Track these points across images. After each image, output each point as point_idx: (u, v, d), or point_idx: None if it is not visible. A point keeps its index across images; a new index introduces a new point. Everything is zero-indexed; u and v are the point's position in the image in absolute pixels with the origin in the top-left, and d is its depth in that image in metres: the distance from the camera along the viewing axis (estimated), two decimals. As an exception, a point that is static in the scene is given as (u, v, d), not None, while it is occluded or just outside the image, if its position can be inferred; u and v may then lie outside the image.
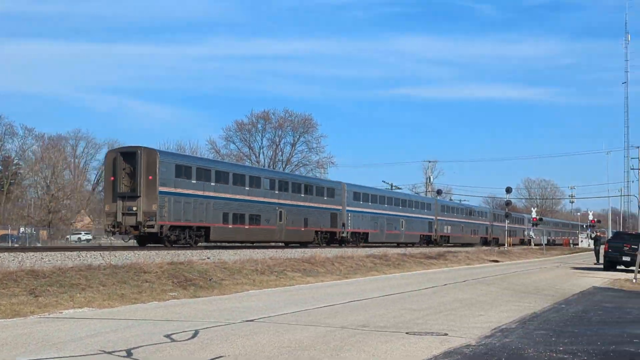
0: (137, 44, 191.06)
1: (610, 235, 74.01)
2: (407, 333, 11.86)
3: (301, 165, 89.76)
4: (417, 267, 33.55)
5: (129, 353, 9.50)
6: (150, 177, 35.78)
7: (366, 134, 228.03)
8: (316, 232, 50.72)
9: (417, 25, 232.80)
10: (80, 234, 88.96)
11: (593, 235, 64.19)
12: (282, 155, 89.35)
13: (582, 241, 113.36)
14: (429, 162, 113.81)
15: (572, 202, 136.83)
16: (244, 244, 43.65)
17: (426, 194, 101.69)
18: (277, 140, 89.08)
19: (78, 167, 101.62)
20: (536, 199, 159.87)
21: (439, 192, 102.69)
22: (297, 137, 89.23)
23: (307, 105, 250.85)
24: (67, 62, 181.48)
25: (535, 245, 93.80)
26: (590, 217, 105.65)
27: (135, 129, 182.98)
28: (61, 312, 13.56)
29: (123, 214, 35.94)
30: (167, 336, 10.88)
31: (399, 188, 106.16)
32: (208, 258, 26.08)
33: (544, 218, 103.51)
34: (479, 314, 15.23)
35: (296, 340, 10.74)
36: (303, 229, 48.69)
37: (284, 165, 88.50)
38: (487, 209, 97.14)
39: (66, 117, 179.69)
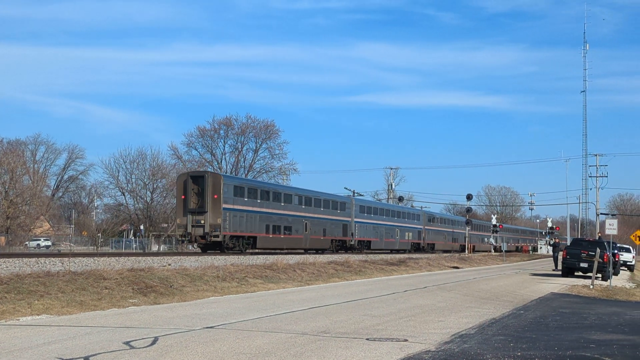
0: (98, 48, 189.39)
1: (568, 242, 75.09)
2: (367, 339, 11.91)
3: (263, 171, 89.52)
4: (379, 274, 33.66)
5: (87, 360, 9.40)
6: (215, 196, 42.73)
7: (328, 140, 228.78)
8: (331, 240, 57.88)
9: (379, 33, 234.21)
10: (40, 240, 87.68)
11: (552, 242, 65.07)
12: (244, 161, 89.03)
13: (541, 247, 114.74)
14: (391, 168, 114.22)
15: (532, 209, 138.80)
16: (275, 250, 50.09)
17: (388, 201, 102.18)
18: (240, 147, 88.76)
19: (37, 173, 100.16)
20: (496, 206, 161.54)
21: (400, 199, 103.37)
22: (260, 143, 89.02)
23: (270, 112, 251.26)
24: (26, 66, 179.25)
25: (495, 252, 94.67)
26: (549, 224, 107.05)
27: (96, 134, 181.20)
28: (18, 320, 13.37)
29: (192, 226, 42.76)
30: (126, 343, 10.79)
31: (361, 195, 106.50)
32: (169, 264, 25.91)
33: (504, 225, 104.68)
34: (439, 320, 15.35)
35: (257, 347, 10.72)
36: (322, 238, 56.13)
37: (246, 172, 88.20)
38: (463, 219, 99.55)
39: (25, 122, 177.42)
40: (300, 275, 27.78)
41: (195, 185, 43.52)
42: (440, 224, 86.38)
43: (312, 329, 12.99)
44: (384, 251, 65.08)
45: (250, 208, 46.11)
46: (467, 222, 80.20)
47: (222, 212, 42.79)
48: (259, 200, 47.34)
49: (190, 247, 49.10)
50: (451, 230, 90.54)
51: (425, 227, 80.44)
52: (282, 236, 49.89)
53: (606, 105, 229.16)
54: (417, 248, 76.13)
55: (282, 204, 50.42)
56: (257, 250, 47.60)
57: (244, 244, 45.29)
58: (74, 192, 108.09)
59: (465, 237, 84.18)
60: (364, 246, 63.03)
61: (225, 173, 71.74)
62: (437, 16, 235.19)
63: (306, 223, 53.20)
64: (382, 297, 20.71)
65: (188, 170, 68.07)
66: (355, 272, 32.29)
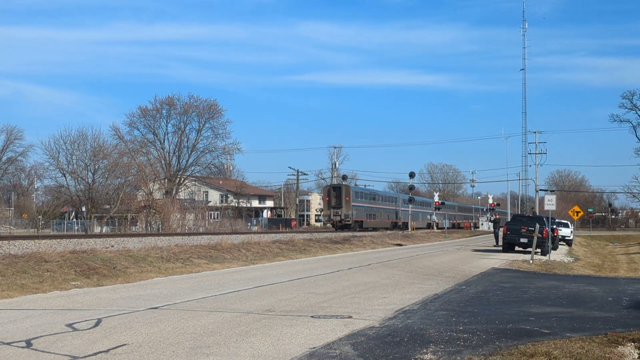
0: (36, 27, 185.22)
1: (509, 218, 76.44)
2: (312, 317, 11.99)
3: (207, 151, 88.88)
4: (323, 252, 33.84)
5: (28, 343, 9.28)
6: (347, 198, 73.30)
7: (272, 119, 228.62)
8: (390, 222, 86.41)
9: (322, 11, 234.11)
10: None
11: (492, 219, 66.22)
12: (187, 141, 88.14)
13: (482, 224, 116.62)
14: (335, 147, 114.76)
15: (473, 187, 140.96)
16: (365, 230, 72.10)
17: (332, 180, 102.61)
18: (182, 127, 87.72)
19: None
20: (438, 183, 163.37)
21: (344, 177, 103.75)
22: (203, 123, 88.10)
23: (212, 91, 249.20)
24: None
25: (437, 228, 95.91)
26: (490, 201, 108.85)
27: (34, 115, 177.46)
28: (-44, 304, 13.09)
29: (334, 215, 73.30)
30: (69, 325, 10.67)
31: (305, 174, 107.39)
32: (112, 246, 25.62)
33: (446, 202, 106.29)
34: (383, 296, 15.52)
35: (201, 327, 10.71)
36: (387, 220, 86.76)
37: (189, 152, 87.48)
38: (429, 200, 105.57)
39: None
40: (245, 254, 27.76)
41: (334, 191, 74.13)
42: (413, 205, 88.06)
43: (257, 307, 13.02)
44: (369, 229, 74.56)
45: (361, 204, 76.97)
46: (410, 200, 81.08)
47: (351, 207, 73.23)
48: (364, 200, 78.86)
49: (329, 225, 76.67)
50: (418, 210, 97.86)
51: (401, 209, 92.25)
52: (372, 220, 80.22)
53: (545, 83, 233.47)
54: (394, 226, 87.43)
55: (372, 201, 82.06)
56: (364, 229, 73.09)
57: (357, 225, 73.29)
58: (13, 174, 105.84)
59: (429, 216, 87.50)
60: (405, 226, 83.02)
61: (353, 185, 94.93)
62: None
63: (381, 211, 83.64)
64: (327, 275, 20.84)
65: (327, 182, 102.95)
66: (300, 251, 32.39)
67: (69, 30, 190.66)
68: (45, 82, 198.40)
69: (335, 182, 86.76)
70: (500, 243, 43.65)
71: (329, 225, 76.74)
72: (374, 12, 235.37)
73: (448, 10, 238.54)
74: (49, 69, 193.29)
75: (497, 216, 63.78)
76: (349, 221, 71.88)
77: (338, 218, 72.16)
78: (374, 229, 72.51)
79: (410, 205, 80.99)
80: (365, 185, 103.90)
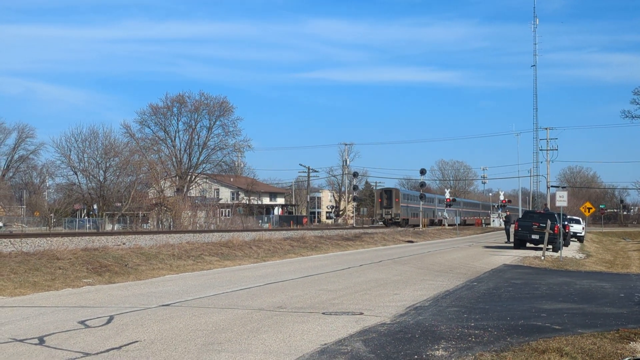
0: (47, 26, 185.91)
1: (520, 214, 76.26)
2: (323, 313, 12.01)
3: (218, 149, 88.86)
4: (334, 249, 33.85)
5: (41, 340, 9.33)
6: (397, 200, 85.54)
7: (282, 117, 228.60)
8: (429, 219, 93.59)
9: (332, 9, 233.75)
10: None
11: (504, 215, 66.04)
12: (198, 139, 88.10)
13: (493, 221, 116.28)
14: (345, 144, 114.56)
15: (484, 183, 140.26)
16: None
17: (343, 177, 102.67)
18: (193, 124, 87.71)
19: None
20: (449, 180, 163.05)
21: (355, 174, 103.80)
22: (213, 120, 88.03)
23: (223, 89, 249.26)
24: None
25: (448, 225, 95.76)
26: (502, 197, 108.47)
27: (46, 113, 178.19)
28: (-30, 302, 13.17)
29: (385, 214, 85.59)
30: (81, 322, 10.72)
31: (316, 171, 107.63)
32: (124, 244, 25.72)
33: (457, 198, 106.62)
34: (394, 293, 15.52)
35: (213, 323, 10.74)
36: (429, 218, 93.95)
37: (200, 149, 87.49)
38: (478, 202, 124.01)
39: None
40: (256, 252, 27.81)
41: (385, 194, 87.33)
42: (451, 205, 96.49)
43: (268, 304, 13.05)
44: (416, 225, 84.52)
45: (406, 205, 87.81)
46: (421, 197, 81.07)
47: (400, 207, 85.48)
48: (409, 201, 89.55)
49: (380, 223, 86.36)
50: (455, 209, 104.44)
51: (437, 207, 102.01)
52: (416, 218, 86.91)
53: (556, 79, 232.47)
54: (432, 223, 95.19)
55: (414, 201, 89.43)
56: (409, 225, 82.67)
57: (404, 222, 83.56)
58: (25, 172, 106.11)
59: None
60: (439, 222, 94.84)
61: (401, 188, 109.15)
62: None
63: (423, 210, 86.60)
64: (338, 272, 20.85)
65: (379, 186, 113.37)
66: (311, 248, 32.42)
67: (80, 29, 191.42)
68: (57, 80, 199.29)
69: (386, 187, 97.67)
70: (512, 239, 43.53)
71: (380, 222, 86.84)
72: (383, 9, 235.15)
73: (458, 6, 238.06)
74: (60, 67, 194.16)
75: (509, 213, 63.58)
76: (398, 219, 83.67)
77: (389, 216, 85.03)
78: (416, 225, 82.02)
79: (421, 202, 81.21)
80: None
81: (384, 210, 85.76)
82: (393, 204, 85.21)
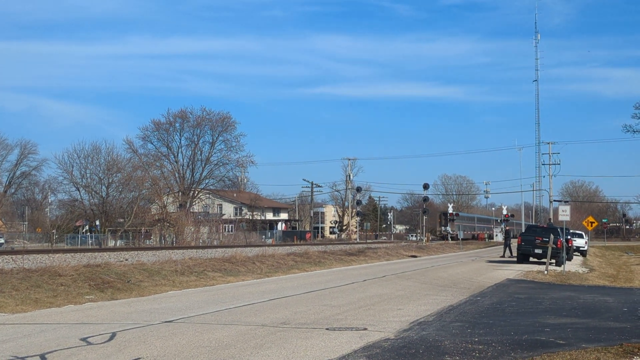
0: (50, 41, 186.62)
1: (523, 229, 76.14)
2: (327, 329, 11.96)
3: (220, 164, 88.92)
4: (338, 264, 33.78)
5: (42, 358, 9.29)
6: (454, 220, 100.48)
7: (285, 132, 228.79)
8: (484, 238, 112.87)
9: (336, 24, 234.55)
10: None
11: (504, 230, 65.81)
12: (201, 154, 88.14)
13: (497, 235, 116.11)
14: (349, 159, 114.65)
15: (487, 197, 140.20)
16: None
17: (346, 192, 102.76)
18: (196, 140, 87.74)
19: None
20: (452, 194, 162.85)
21: (358, 189, 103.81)
22: (216, 136, 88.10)
23: (226, 104, 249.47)
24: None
25: (452, 239, 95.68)
26: (504, 212, 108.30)
27: (49, 129, 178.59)
28: (-28, 319, 13.13)
29: (443, 231, 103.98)
30: (83, 339, 10.68)
31: (319, 186, 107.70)
32: (126, 260, 25.68)
33: (460, 213, 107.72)
34: (398, 308, 15.47)
35: (216, 340, 10.70)
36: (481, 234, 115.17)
37: (203, 165, 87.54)
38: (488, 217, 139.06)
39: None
40: (259, 267, 27.76)
41: (444, 215, 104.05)
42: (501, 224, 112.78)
43: (272, 320, 13.00)
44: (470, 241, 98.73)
45: (459, 224, 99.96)
46: (424, 211, 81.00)
47: (455, 225, 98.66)
48: (465, 221, 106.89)
49: (432, 237, 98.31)
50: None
51: (493, 226, 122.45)
52: (466, 233, 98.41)
53: (558, 94, 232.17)
54: (490, 237, 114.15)
55: (472, 222, 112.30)
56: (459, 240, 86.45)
57: (458, 237, 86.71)
58: (27, 188, 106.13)
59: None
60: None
61: (461, 212, 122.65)
62: (392, 8, 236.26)
63: (479, 229, 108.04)
64: (342, 287, 20.79)
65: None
66: (315, 263, 32.36)
67: (84, 45, 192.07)
68: (60, 96, 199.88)
69: (443, 210, 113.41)
70: (508, 254, 43.51)
71: (440, 239, 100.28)
72: (387, 25, 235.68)
73: (461, 22, 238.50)
74: (63, 83, 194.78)
75: (508, 228, 63.37)
76: (455, 234, 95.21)
77: (447, 233, 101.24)
78: (465, 239, 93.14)
79: (425, 217, 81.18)
80: (379, 198, 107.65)
81: (442, 228, 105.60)
82: (448, 223, 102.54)
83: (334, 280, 23.81)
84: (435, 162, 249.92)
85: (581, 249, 55.03)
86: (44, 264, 22.58)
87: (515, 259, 39.75)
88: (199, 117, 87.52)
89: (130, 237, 70.56)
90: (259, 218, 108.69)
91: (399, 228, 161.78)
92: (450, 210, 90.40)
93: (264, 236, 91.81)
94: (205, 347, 10.10)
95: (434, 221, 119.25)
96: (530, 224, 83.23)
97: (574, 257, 47.78)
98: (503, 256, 45.84)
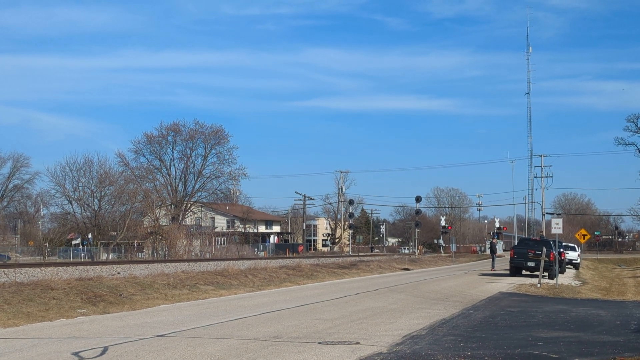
0: (43, 55, 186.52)
1: (516, 241, 76.54)
2: (319, 343, 11.94)
3: (213, 177, 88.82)
4: (330, 277, 33.73)
5: (35, 373, 9.25)
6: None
7: (278, 145, 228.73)
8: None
9: (328, 38, 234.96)
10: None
11: (489, 243, 66.18)
12: (193, 167, 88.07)
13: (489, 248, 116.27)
14: (341, 172, 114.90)
15: (480, 210, 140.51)
16: None
17: (338, 204, 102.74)
18: (188, 153, 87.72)
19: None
20: (445, 207, 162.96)
21: (350, 202, 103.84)
22: (209, 149, 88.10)
23: (219, 117, 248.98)
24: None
25: (444, 253, 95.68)
26: (497, 225, 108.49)
27: (41, 143, 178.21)
28: (-37, 333, 13.06)
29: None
30: (75, 354, 10.64)
31: (312, 199, 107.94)
32: (118, 273, 25.61)
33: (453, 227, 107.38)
34: (390, 321, 15.45)
35: (208, 354, 10.67)
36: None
37: (195, 178, 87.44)
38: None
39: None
40: (252, 280, 27.69)
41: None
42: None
43: (264, 334, 12.97)
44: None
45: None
46: (417, 224, 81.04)
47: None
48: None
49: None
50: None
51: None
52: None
53: (550, 107, 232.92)
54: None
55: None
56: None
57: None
58: (19, 202, 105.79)
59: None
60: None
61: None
62: (384, 21, 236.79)
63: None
64: (334, 301, 20.76)
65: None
66: (307, 276, 32.29)
67: (77, 58, 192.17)
68: (53, 109, 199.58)
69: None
70: (495, 267, 43.67)
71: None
72: (380, 38, 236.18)
73: (453, 35, 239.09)
74: (56, 97, 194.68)
75: (495, 240, 63.46)
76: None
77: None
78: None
79: (417, 230, 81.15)
80: (372, 211, 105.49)
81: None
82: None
83: (327, 293, 23.77)
84: (427, 175, 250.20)
85: (574, 261, 55.16)
86: (36, 277, 22.50)
87: (507, 272, 39.77)
88: (191, 130, 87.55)
89: (123, 251, 70.35)
90: (251, 231, 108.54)
91: (392, 241, 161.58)
92: (442, 223, 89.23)
93: (256, 249, 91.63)
94: (197, 361, 10.06)
95: (427, 234, 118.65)
96: (523, 236, 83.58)
97: (567, 270, 47.90)
98: (493, 269, 45.92)
